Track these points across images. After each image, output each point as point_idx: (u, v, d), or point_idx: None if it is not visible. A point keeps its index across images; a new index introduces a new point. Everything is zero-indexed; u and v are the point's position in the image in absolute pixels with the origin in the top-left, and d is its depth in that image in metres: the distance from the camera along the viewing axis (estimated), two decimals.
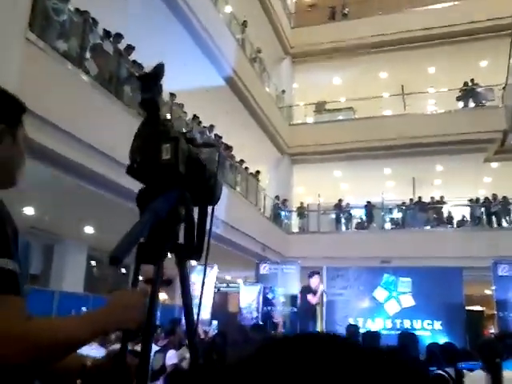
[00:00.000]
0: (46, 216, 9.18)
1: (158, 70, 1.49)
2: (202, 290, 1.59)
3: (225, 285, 15.28)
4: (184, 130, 9.27)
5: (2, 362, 0.96)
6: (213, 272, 10.70)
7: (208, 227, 1.57)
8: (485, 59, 17.93)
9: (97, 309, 1.19)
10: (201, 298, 1.47)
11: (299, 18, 19.89)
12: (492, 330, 12.29)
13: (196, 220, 1.51)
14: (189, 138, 1.55)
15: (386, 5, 18.97)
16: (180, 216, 1.43)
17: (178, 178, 1.41)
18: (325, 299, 11.32)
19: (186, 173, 1.42)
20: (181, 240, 1.47)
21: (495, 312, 10.64)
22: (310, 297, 9.35)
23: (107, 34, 7.89)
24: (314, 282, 9.25)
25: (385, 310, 10.94)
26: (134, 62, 8.45)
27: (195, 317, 1.43)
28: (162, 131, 1.45)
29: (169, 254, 1.43)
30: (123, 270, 13.09)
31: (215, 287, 11.30)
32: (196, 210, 1.53)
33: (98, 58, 7.47)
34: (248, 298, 11.31)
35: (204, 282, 1.52)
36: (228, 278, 17.12)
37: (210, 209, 1.59)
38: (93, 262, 12.54)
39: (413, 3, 18.38)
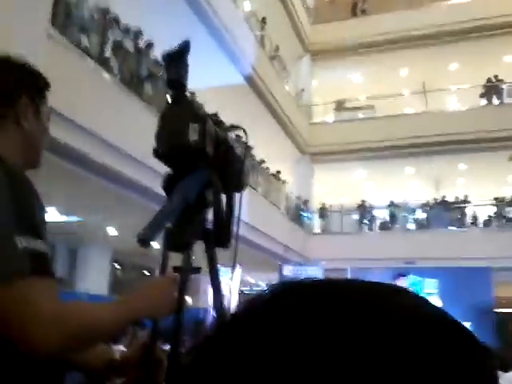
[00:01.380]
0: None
1: (183, 48, 1.41)
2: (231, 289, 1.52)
3: (248, 287, 15.20)
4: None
5: (31, 346, 0.93)
6: (237, 273, 10.63)
7: (236, 215, 1.49)
8: (508, 54, 17.56)
9: (129, 295, 1.14)
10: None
11: (319, 14, 19.70)
12: None
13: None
14: (216, 120, 1.48)
15: (407, 1, 18.76)
16: (207, 201, 1.36)
17: (205, 160, 1.33)
18: None
19: (213, 155, 1.36)
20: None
21: None
22: None
23: (127, 30, 7.89)
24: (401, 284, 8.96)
25: None
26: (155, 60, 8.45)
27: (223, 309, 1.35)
28: (188, 111, 1.37)
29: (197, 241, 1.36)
30: (147, 273, 13.13)
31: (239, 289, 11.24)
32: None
33: (119, 55, 7.50)
34: None
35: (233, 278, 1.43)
36: (251, 280, 17.06)
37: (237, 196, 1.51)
38: (117, 265, 12.62)
39: None
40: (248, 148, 1.65)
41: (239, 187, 1.49)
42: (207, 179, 1.33)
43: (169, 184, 1.33)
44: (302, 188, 17.14)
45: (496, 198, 16.54)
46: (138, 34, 8.27)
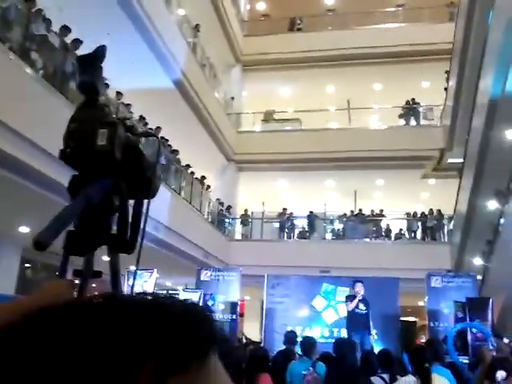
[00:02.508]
0: None
1: (99, 53, 1.43)
2: (132, 292, 1.53)
3: (164, 291, 15.00)
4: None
5: None
6: (152, 277, 10.49)
7: (143, 221, 1.49)
8: (427, 80, 18.74)
9: (22, 297, 1.12)
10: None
11: (252, 27, 20.06)
12: (423, 340, 12.72)
13: (131, 213, 1.44)
14: (128, 125, 1.49)
15: (337, 21, 19.52)
16: (113, 206, 1.36)
17: (113, 166, 1.34)
18: (264, 307, 11.37)
19: (122, 161, 1.37)
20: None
21: (427, 322, 11.02)
22: (347, 303, 9.10)
23: (49, 24, 7.59)
24: (357, 290, 8.98)
25: (323, 319, 11.08)
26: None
27: None
28: (99, 116, 1.38)
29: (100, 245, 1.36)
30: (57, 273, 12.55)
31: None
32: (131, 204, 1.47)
33: (43, 50, 7.21)
34: None
35: (134, 283, 1.45)
36: (169, 284, 16.85)
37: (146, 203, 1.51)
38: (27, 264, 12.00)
39: (362, 22, 18.98)
40: (163, 145, 1.68)
41: (149, 194, 1.49)
42: (114, 184, 1.34)
43: (74, 187, 1.33)
44: (226, 194, 17.23)
45: (407, 213, 17.49)
46: (65, 30, 7.98)
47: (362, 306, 8.58)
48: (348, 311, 8.71)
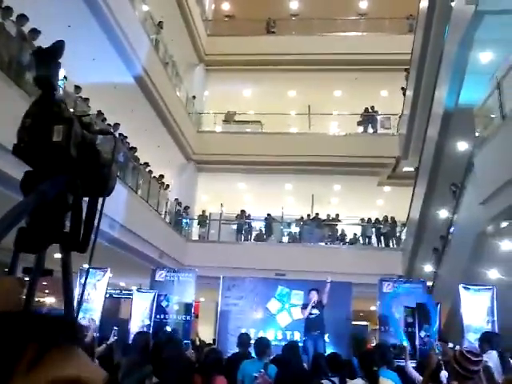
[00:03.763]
0: None
1: (57, 47, 1.40)
2: (83, 290, 1.51)
3: (118, 291, 14.78)
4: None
5: None
6: (106, 276, 10.27)
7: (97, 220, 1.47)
8: (385, 89, 19.20)
9: None
10: (81, 298, 1.39)
11: (216, 27, 20.03)
12: (374, 344, 12.99)
13: (85, 211, 1.42)
14: (85, 122, 1.47)
15: (301, 26, 19.74)
16: (67, 203, 1.34)
17: (68, 163, 1.32)
18: (219, 308, 11.35)
19: (77, 158, 1.34)
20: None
21: (378, 327, 11.26)
22: (302, 311, 9.51)
23: (8, 10, 7.33)
24: (311, 297, 9.28)
25: (277, 322, 11.15)
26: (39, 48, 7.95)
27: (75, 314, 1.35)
28: (55, 112, 1.36)
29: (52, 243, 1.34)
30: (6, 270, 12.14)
31: (107, 293, 10.84)
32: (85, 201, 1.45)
33: None
34: (141, 305, 10.98)
35: (86, 281, 1.42)
36: (123, 284, 16.58)
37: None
38: None
39: (325, 28, 19.28)
40: (122, 142, 1.66)
41: (104, 192, 1.47)
42: (68, 181, 1.32)
43: (27, 183, 1.30)
44: (184, 194, 17.11)
45: (362, 219, 17.85)
46: (22, 18, 7.72)
47: (314, 311, 8.96)
48: (304, 318, 9.12)
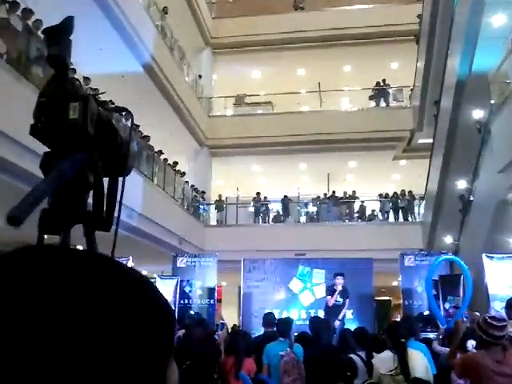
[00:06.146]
0: None
1: (67, 24, 1.37)
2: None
3: None
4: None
5: None
6: (128, 265, 10.38)
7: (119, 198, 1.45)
8: (396, 61, 18.87)
9: None
10: None
11: (221, 9, 19.79)
12: (398, 319, 12.98)
13: (106, 191, 1.40)
14: (99, 100, 1.45)
15: (307, 2, 19.42)
16: (88, 182, 1.32)
17: (86, 140, 1.30)
18: (242, 291, 11.41)
19: (95, 136, 1.32)
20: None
21: (401, 302, 11.24)
22: (328, 298, 9.41)
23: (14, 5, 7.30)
24: (337, 282, 9.21)
25: (300, 301, 11.19)
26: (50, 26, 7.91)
27: None
28: (69, 89, 1.33)
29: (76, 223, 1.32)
30: None
31: None
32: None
33: (6, 34, 6.95)
34: (164, 292, 11.08)
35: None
36: (145, 272, 16.72)
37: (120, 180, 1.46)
38: None
39: (331, 3, 18.94)
40: (134, 130, 1.63)
41: (124, 171, 1.45)
42: (87, 160, 1.30)
43: (46, 163, 1.28)
44: (199, 180, 17.12)
45: (380, 195, 17.72)
46: (27, 12, 7.69)
47: (339, 298, 9.00)
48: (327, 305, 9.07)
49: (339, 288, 9.07)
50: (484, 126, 9.77)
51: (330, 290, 9.33)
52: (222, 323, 11.46)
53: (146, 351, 0.40)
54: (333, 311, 8.86)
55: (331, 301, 9.00)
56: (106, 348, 0.38)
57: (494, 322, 3.29)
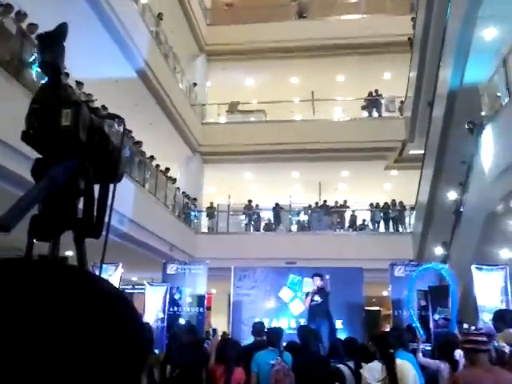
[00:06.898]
0: None
1: (61, 30, 1.37)
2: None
3: (130, 286, 14.85)
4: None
5: None
6: (117, 271, 10.30)
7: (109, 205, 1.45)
8: (389, 71, 19.02)
9: None
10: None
11: (215, 16, 19.89)
12: (388, 329, 12.99)
13: (96, 197, 1.40)
14: (92, 107, 1.45)
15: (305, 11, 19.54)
16: (79, 189, 1.32)
17: (77, 147, 1.30)
18: (232, 299, 11.37)
19: (87, 142, 1.32)
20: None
21: (391, 312, 11.24)
22: (304, 299, 9.41)
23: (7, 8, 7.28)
24: (314, 283, 9.18)
25: (289, 310, 11.17)
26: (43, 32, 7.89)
27: None
28: (62, 96, 1.33)
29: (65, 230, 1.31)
30: None
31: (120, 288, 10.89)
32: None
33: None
34: (154, 299, 11.03)
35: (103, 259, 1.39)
36: (134, 279, 16.64)
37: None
38: None
39: (325, 13, 19.10)
40: (125, 137, 1.62)
41: (115, 177, 1.45)
42: (79, 166, 1.30)
43: (38, 170, 1.28)
44: (191, 187, 17.11)
45: (371, 204, 17.78)
46: (21, 15, 7.68)
47: (316, 298, 8.89)
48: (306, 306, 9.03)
49: (314, 287, 9.02)
50: (475, 137, 9.85)
51: (307, 294, 9.34)
52: (213, 329, 11.42)
53: (111, 366, 0.39)
54: (313, 311, 8.81)
55: (307, 301, 9.00)
56: (68, 363, 0.37)
57: (473, 333, 3.50)
